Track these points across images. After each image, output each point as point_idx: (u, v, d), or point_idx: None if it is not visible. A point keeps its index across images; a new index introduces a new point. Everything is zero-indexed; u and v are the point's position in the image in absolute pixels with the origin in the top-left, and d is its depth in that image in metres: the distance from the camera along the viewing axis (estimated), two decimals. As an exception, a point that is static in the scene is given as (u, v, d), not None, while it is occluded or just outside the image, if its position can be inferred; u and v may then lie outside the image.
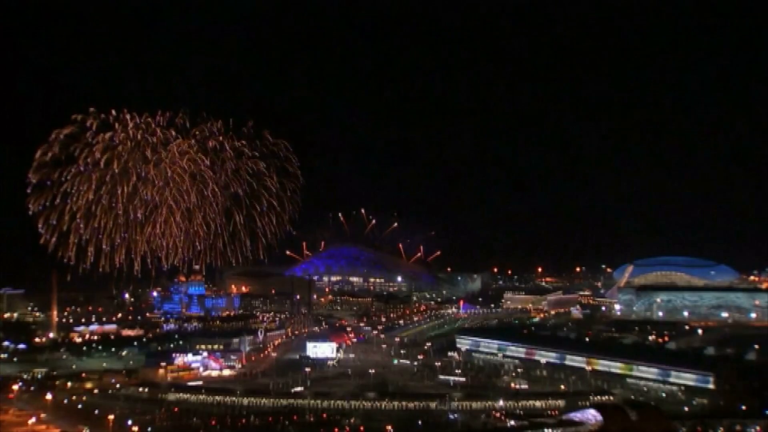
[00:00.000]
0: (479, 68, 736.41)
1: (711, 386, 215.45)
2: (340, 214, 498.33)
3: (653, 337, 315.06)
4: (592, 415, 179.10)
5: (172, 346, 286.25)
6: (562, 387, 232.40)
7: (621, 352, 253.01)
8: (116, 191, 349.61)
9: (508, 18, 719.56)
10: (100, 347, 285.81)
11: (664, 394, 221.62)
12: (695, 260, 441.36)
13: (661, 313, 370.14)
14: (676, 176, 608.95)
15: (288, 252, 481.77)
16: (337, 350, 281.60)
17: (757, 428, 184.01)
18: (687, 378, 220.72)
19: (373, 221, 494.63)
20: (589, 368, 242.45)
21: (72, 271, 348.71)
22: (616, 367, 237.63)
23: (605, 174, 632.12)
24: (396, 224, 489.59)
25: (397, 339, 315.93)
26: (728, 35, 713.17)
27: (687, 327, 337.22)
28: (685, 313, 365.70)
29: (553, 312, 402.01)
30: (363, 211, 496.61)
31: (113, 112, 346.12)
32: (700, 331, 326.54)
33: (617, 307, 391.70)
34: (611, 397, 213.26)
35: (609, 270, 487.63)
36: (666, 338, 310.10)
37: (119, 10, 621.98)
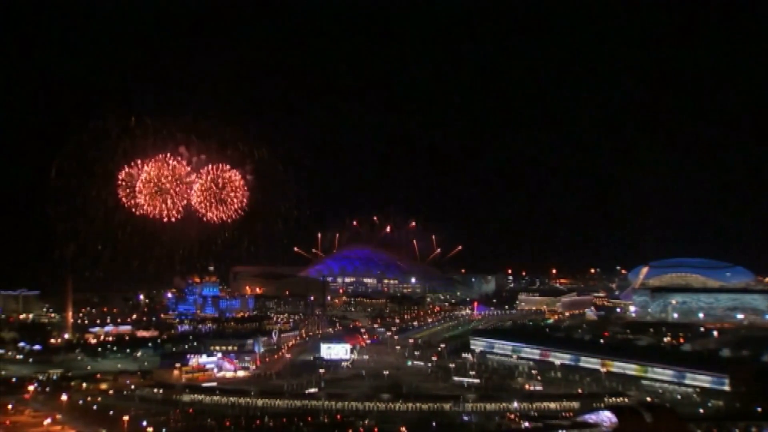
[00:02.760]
0: (495, 68, 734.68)
1: (726, 388, 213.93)
2: (354, 216, 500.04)
3: (668, 338, 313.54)
4: (606, 417, 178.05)
5: (186, 347, 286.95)
6: (577, 389, 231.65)
7: (636, 354, 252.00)
8: (133, 195, 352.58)
9: (523, 16, 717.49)
10: (114, 348, 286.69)
11: (679, 396, 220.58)
12: (710, 262, 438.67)
13: (676, 315, 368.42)
14: (691, 177, 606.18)
15: (302, 252, 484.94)
16: (351, 351, 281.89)
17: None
18: (702, 380, 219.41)
19: (387, 223, 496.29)
20: (603, 370, 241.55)
21: (87, 273, 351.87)
22: (631, 368, 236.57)
23: (620, 175, 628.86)
24: (409, 226, 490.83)
25: (411, 340, 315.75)
26: (741, 34, 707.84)
27: (702, 329, 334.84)
28: (701, 315, 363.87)
29: (567, 313, 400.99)
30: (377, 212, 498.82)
31: (133, 119, 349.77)
32: (715, 333, 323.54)
33: (632, 308, 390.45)
34: (626, 399, 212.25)
35: (624, 271, 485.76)
36: (681, 340, 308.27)
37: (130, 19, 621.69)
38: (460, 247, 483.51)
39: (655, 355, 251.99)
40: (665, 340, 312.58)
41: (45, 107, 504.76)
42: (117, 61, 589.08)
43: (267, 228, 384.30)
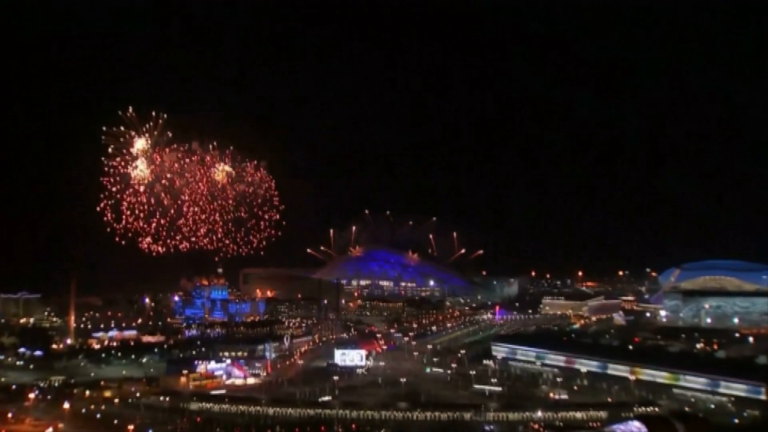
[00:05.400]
0: (522, 66, 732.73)
1: (763, 397, 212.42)
2: (370, 216, 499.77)
3: (701, 345, 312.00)
4: (636, 427, 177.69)
5: (194, 353, 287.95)
6: (605, 398, 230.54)
7: (667, 361, 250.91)
8: (141, 196, 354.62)
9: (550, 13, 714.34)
10: (119, 354, 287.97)
11: (712, 406, 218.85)
12: (746, 263, 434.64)
13: (709, 320, 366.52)
14: (725, 176, 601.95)
15: (316, 254, 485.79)
16: (367, 358, 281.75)
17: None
18: (737, 388, 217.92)
19: (405, 222, 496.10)
20: (632, 377, 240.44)
21: (91, 275, 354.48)
22: (661, 376, 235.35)
23: (650, 174, 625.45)
24: (428, 226, 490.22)
25: (429, 346, 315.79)
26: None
27: (737, 334, 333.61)
28: (736, 320, 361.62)
29: (594, 318, 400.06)
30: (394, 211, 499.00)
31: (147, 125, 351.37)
32: (751, 339, 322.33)
33: (663, 313, 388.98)
34: (656, 409, 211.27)
35: (654, 274, 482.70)
36: (715, 346, 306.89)
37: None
38: (480, 252, 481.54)
39: (687, 362, 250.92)
40: (698, 346, 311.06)
41: (47, 108, 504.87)
42: (123, 60, 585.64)
43: (280, 228, 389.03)
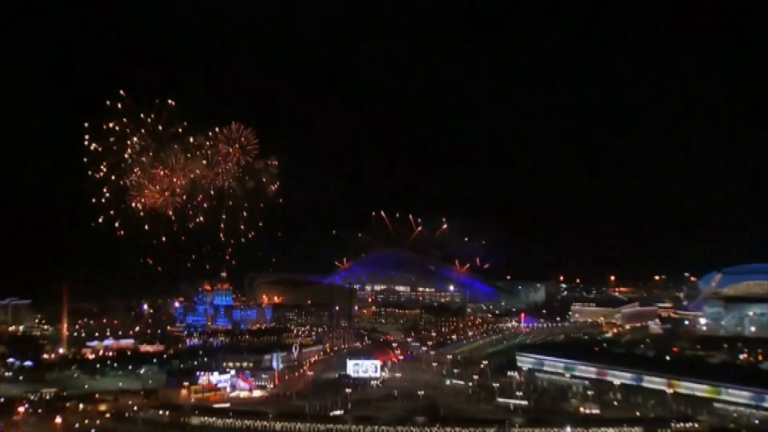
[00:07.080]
0: (553, 58, 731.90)
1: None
2: (385, 215, 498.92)
3: (745, 355, 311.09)
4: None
5: (196, 363, 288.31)
6: (640, 412, 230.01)
7: (707, 373, 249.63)
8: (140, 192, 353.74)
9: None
10: (115, 365, 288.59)
11: (756, 421, 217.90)
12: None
13: (753, 329, 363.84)
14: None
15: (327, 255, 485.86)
16: (382, 369, 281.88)
17: None
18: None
19: (423, 222, 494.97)
20: (670, 391, 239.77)
21: (85, 279, 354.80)
22: (701, 389, 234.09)
23: (688, 170, 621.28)
24: (446, 226, 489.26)
25: (449, 356, 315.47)
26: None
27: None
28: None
29: (628, 326, 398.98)
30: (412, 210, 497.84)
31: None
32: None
33: (703, 321, 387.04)
34: (696, 425, 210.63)
35: (693, 279, 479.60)
36: (760, 357, 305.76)
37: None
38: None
39: (729, 375, 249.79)
40: (741, 357, 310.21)
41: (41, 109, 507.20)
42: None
43: (286, 229, 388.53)
